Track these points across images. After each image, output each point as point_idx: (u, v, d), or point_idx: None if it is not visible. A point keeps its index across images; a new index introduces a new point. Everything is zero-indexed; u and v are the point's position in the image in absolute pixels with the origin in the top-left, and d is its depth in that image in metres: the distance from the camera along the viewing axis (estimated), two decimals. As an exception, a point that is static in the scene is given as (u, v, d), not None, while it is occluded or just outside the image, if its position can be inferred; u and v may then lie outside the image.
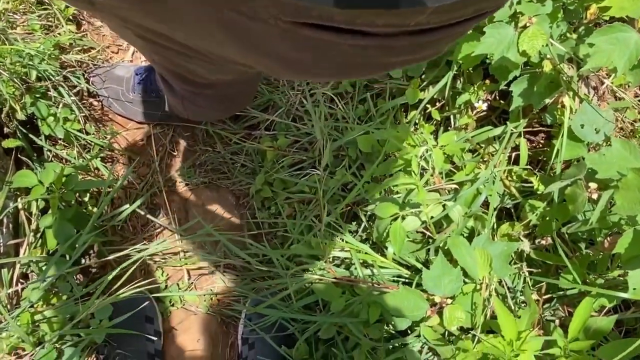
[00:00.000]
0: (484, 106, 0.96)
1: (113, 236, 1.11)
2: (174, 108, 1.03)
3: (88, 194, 1.05)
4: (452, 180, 0.95)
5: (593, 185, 0.81)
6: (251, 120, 1.24)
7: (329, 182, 1.10)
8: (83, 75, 1.19)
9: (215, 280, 1.13)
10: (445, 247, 0.91)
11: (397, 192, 1.01)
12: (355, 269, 0.96)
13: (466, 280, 0.87)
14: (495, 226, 0.98)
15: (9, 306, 0.88)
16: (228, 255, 1.12)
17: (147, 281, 1.10)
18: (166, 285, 1.10)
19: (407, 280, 0.96)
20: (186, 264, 1.12)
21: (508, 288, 0.92)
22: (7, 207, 0.90)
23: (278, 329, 1.04)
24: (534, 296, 0.91)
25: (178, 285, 1.10)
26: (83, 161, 1.06)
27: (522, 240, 0.93)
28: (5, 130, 0.98)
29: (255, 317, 1.05)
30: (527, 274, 0.93)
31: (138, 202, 0.98)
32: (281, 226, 1.15)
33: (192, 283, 1.12)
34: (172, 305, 1.09)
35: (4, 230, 0.91)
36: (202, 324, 1.09)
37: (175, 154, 1.24)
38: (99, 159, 1.11)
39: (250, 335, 1.06)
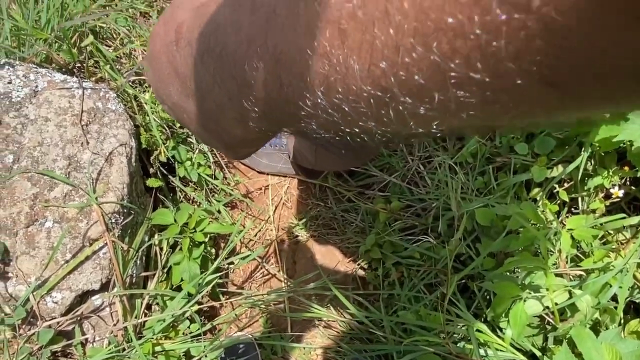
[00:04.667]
0: (620, 193, 0.92)
1: (225, 278, 1.17)
2: (301, 157, 1.08)
3: (209, 236, 1.12)
4: (579, 266, 0.91)
5: None
6: (365, 180, 1.27)
7: (440, 251, 1.09)
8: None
9: (316, 334, 1.13)
10: (567, 337, 0.86)
11: (514, 271, 0.98)
12: (464, 346, 0.93)
13: (591, 377, 0.81)
14: (622, 321, 0.91)
15: (133, 334, 0.94)
16: (333, 312, 1.12)
17: (253, 327, 1.13)
18: (269, 333, 1.13)
19: (521, 366, 0.91)
20: (290, 314, 1.14)
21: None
22: (144, 241, 0.97)
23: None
24: (667, 406, 0.83)
25: (281, 335, 1.12)
26: (209, 204, 1.14)
27: (655, 341, 0.86)
28: (150, 170, 1.08)
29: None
30: (658, 379, 0.85)
31: (259, 251, 1.03)
32: (386, 289, 1.14)
33: (294, 334, 1.13)
34: (274, 353, 1.11)
35: (138, 262, 0.98)
36: (299, 378, 1.10)
37: (289, 205, 1.29)
38: (222, 203, 1.18)
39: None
